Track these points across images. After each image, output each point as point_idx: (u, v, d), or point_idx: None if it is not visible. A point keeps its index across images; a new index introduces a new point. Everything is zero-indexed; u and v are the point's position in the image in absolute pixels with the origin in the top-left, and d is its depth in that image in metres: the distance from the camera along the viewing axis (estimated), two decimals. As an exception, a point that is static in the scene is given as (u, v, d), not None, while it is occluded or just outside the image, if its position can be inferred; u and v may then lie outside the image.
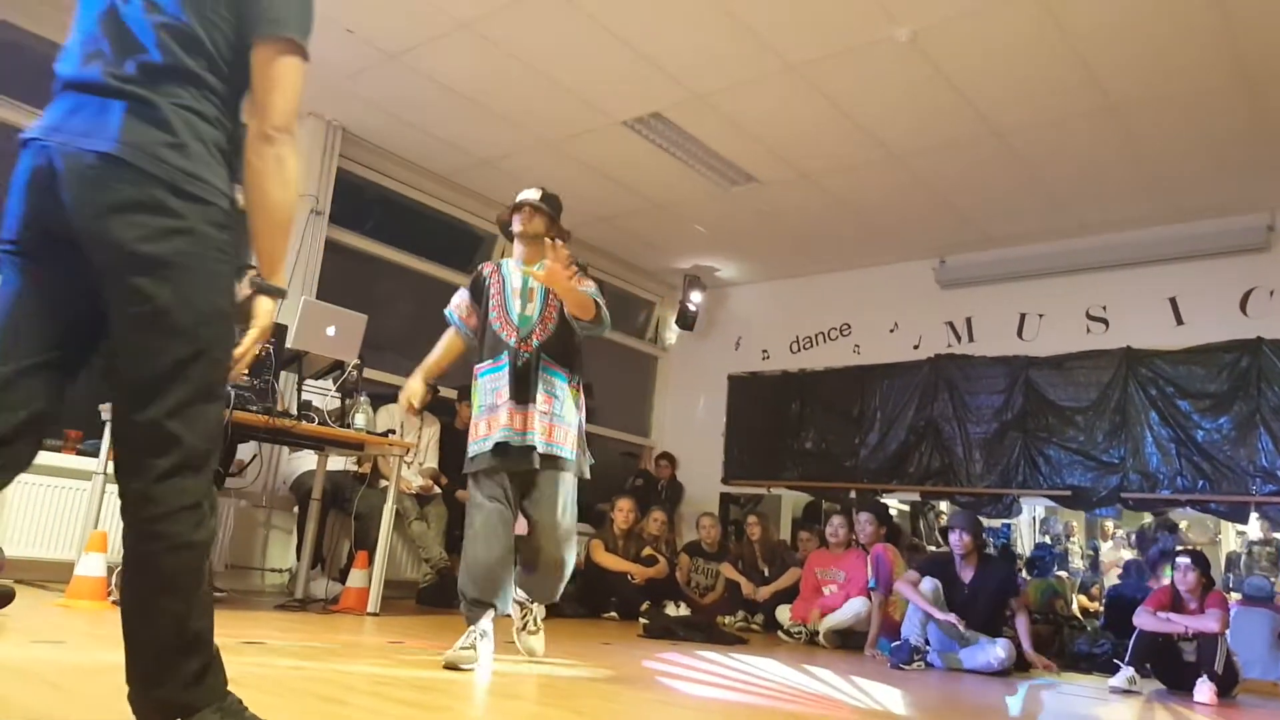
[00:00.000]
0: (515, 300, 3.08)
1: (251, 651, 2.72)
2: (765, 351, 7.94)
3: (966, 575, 5.06)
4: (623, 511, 6.00)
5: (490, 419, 2.98)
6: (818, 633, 5.60)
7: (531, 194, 3.13)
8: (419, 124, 5.77)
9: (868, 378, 7.32)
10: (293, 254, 5.49)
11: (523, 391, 2.96)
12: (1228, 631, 4.67)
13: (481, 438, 2.99)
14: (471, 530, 2.97)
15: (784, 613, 6.00)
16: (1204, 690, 4.39)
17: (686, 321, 8.14)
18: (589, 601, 5.74)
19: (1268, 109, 4.67)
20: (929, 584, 4.95)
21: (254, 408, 3.86)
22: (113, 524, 3.52)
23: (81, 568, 3.51)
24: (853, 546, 5.94)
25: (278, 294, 1.48)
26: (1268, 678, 5.48)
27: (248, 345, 1.46)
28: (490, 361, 3.05)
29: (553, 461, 2.97)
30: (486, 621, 2.92)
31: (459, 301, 3.21)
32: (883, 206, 6.33)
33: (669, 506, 7.16)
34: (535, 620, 3.24)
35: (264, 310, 1.47)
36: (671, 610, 5.73)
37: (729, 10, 4.28)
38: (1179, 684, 4.65)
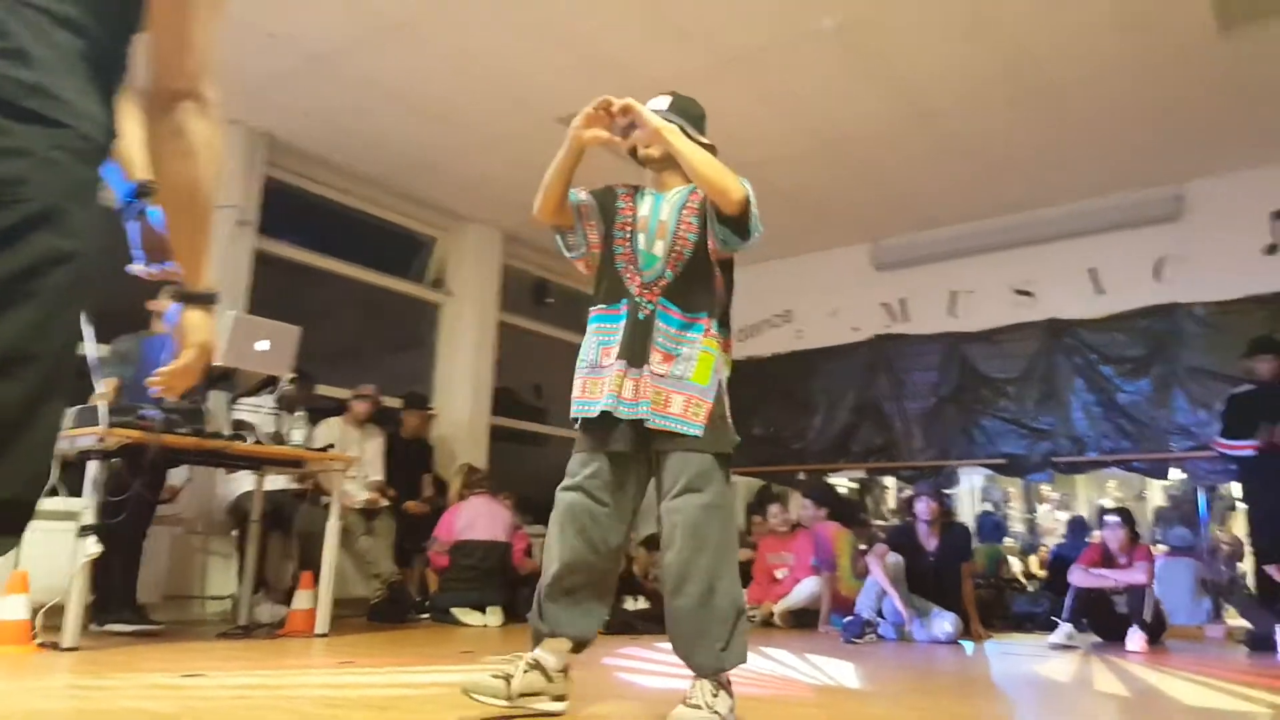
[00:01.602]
0: (643, 235, 2.38)
1: (194, 684, 2.66)
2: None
3: (931, 544, 5.20)
4: (574, 510, 5.97)
5: (589, 380, 2.33)
6: (773, 614, 5.70)
7: (660, 102, 2.46)
8: (350, 128, 5.67)
9: (811, 361, 7.44)
10: (219, 268, 5.35)
11: (638, 351, 2.25)
12: (1154, 583, 4.90)
13: (576, 399, 2.34)
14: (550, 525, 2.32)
15: (739, 598, 6.07)
16: (1135, 639, 4.61)
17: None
18: (544, 602, 5.72)
19: (1171, 82, 4.85)
20: (893, 558, 5.08)
21: (183, 430, 3.76)
22: (34, 563, 3.43)
23: (1, 611, 3.35)
24: (799, 528, 6.05)
25: (207, 302, 1.23)
26: (1192, 623, 5.77)
27: (180, 367, 1.24)
28: (605, 306, 2.37)
29: (669, 440, 2.21)
30: (547, 652, 2.25)
31: (579, 194, 2.51)
32: (819, 194, 6.41)
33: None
34: (699, 691, 2.12)
35: (194, 325, 1.22)
36: (630, 605, 5.75)
37: (658, 7, 4.29)
38: (1112, 635, 4.87)
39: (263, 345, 4.18)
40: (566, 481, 2.29)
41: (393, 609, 5.14)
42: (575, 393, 2.35)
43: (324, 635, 4.19)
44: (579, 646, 2.32)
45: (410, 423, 6.25)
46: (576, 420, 2.34)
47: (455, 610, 5.20)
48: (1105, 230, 6.29)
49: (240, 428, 4.20)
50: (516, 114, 5.39)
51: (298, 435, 4.40)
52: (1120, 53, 4.59)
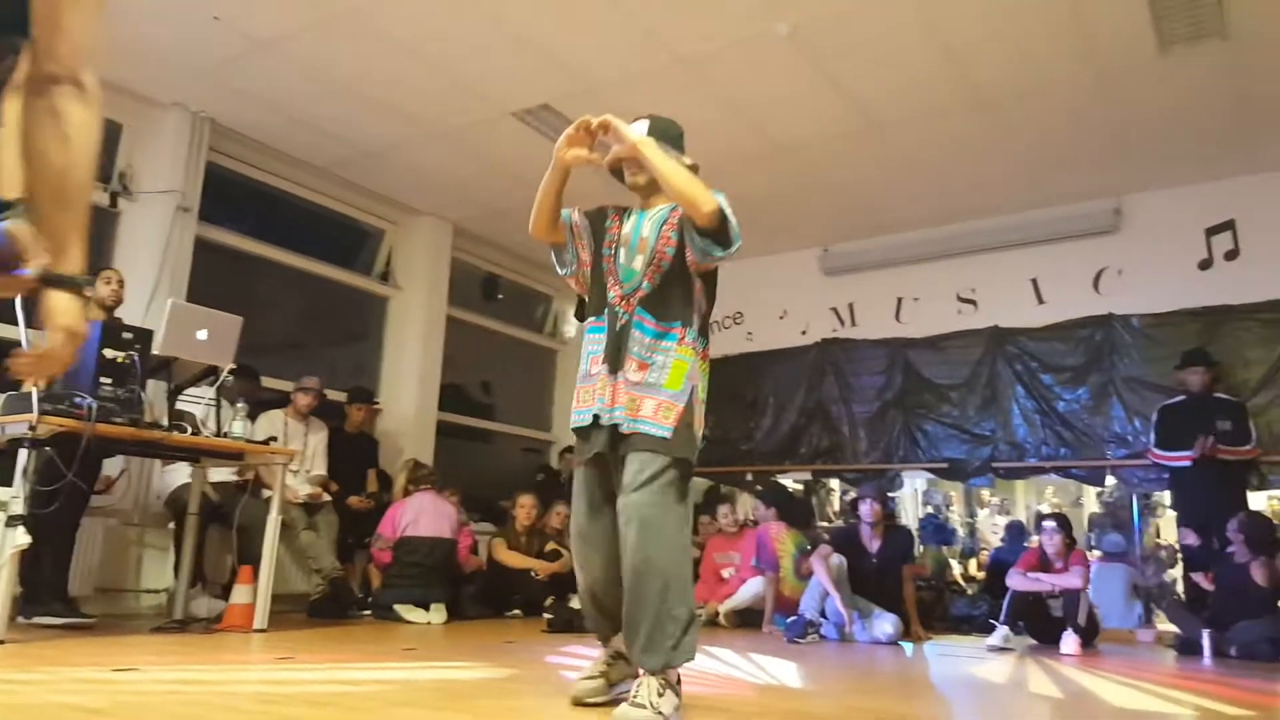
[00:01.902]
0: (624, 250, 2.50)
1: (126, 679, 2.59)
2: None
3: (874, 546, 5.27)
4: (524, 508, 5.96)
5: (582, 389, 2.47)
6: (718, 614, 5.73)
7: (640, 126, 2.48)
8: (297, 115, 5.56)
9: (760, 364, 7.50)
10: (158, 254, 5.22)
11: (617, 359, 2.39)
12: (1089, 587, 5.04)
13: (574, 409, 2.49)
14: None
15: (684, 597, 6.09)
16: (1069, 642, 4.73)
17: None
18: (492, 601, 5.69)
19: (1110, 99, 4.99)
20: (836, 559, 5.13)
21: (119, 419, 3.66)
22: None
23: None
24: (747, 528, 6.09)
25: (72, 286, 1.16)
26: (1124, 626, 5.94)
27: (43, 352, 1.18)
28: (594, 319, 2.53)
29: (637, 440, 2.30)
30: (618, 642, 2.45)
31: (573, 215, 2.61)
32: (771, 197, 6.47)
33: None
34: (639, 690, 2.18)
35: (60, 309, 1.16)
36: (576, 603, 5.73)
37: (615, 5, 4.29)
38: (1048, 638, 4.99)
39: (202, 335, 4.10)
40: (574, 496, 2.49)
41: (334, 605, 5.06)
42: (574, 403, 2.50)
43: (263, 631, 4.11)
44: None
45: (355, 417, 6.17)
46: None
47: (398, 607, 5.13)
48: (1046, 241, 6.45)
49: (179, 418, 4.10)
50: (468, 107, 5.35)
51: (239, 427, 4.30)
52: (1064, 69, 4.71)
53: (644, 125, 2.51)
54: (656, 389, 2.34)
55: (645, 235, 2.48)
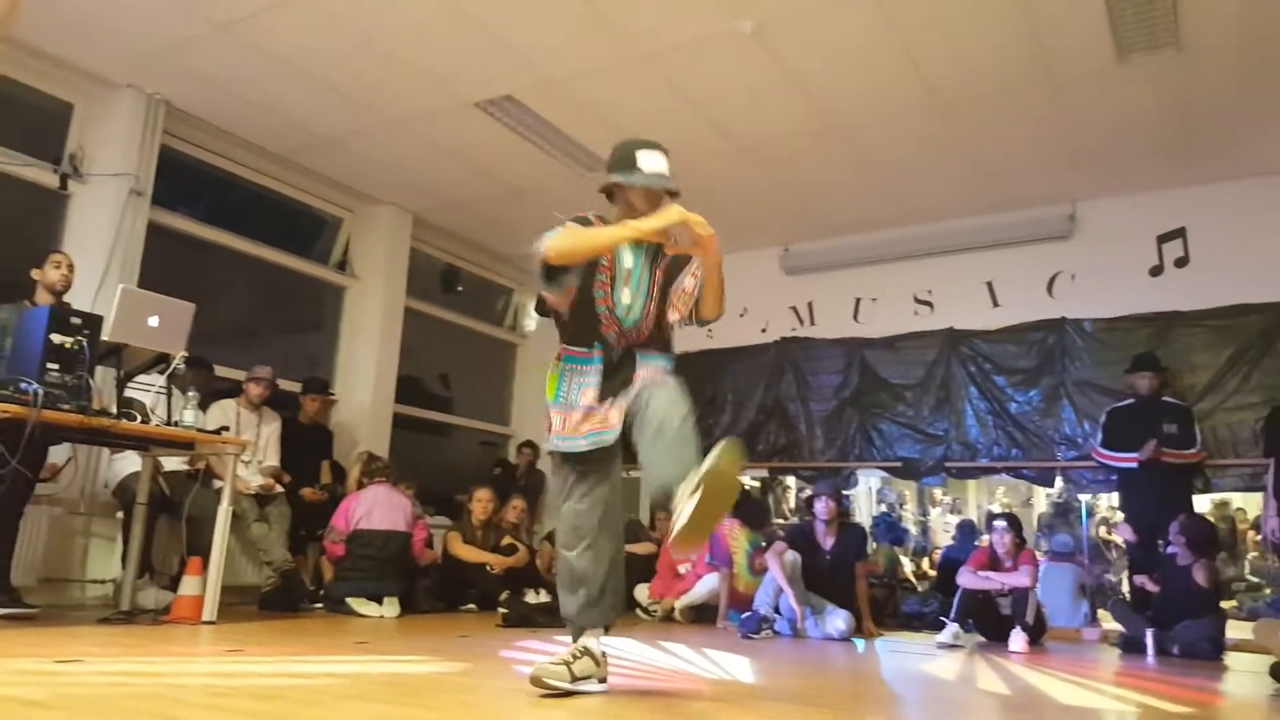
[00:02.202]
0: (626, 289, 2.55)
1: (68, 671, 2.53)
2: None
3: (828, 543, 5.32)
4: (480, 502, 5.93)
5: (568, 415, 2.52)
6: (674, 609, 5.76)
7: (662, 163, 2.57)
8: (254, 100, 5.46)
9: (720, 361, 7.53)
10: (109, 238, 5.10)
11: (622, 384, 2.48)
12: (1038, 586, 5.14)
13: (558, 434, 2.53)
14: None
15: (642, 591, 6.13)
16: (1017, 640, 4.82)
17: (545, 309, 8.08)
18: (446, 595, 5.66)
19: (1066, 105, 5.09)
20: (790, 556, 5.17)
21: (66, 406, 3.57)
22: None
23: None
24: (705, 526, 6.11)
25: None
26: (1071, 625, 6.06)
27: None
28: (582, 349, 2.55)
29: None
30: (591, 640, 2.55)
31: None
32: (732, 196, 6.50)
33: (530, 495, 7.13)
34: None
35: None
36: (531, 598, 5.72)
37: (576, -4, 4.28)
38: (996, 635, 5.08)
39: (154, 321, 4.02)
40: (559, 500, 2.57)
41: (285, 598, 4.99)
42: (556, 427, 2.55)
43: (212, 623, 4.04)
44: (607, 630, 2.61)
45: (309, 408, 6.09)
46: (554, 452, 2.56)
47: (351, 600, 5.08)
48: (1002, 245, 6.55)
49: (128, 406, 4.01)
50: (430, 96, 5.29)
51: (190, 416, 4.21)
52: (1023, 75, 4.79)
53: (664, 161, 2.56)
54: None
55: (643, 275, 2.57)
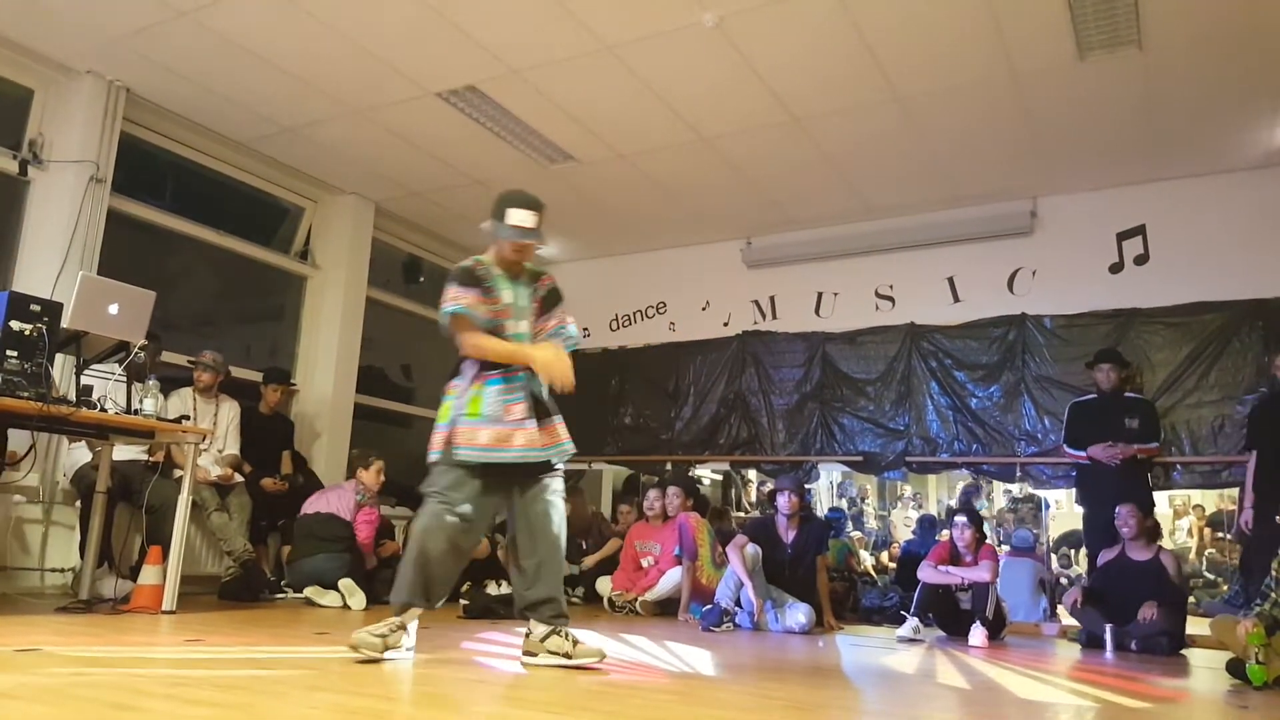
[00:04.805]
0: (519, 321, 3.13)
1: (26, 660, 2.50)
2: (585, 329, 8.01)
3: (789, 537, 5.36)
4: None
5: (496, 431, 2.97)
6: (635, 601, 5.78)
7: (532, 218, 3.13)
8: (215, 88, 5.38)
9: (682, 354, 7.57)
10: (69, 225, 5.01)
11: (545, 411, 3.09)
12: (998, 581, 5.20)
13: (481, 446, 2.95)
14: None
15: (605, 584, 6.14)
16: (977, 634, 4.88)
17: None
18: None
19: (1028, 102, 5.16)
20: (751, 549, 5.20)
21: (25, 394, 3.52)
22: None
23: None
24: (669, 518, 6.14)
25: None
26: (1030, 620, 6.14)
27: None
28: (503, 372, 3.03)
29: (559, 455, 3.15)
30: (410, 617, 3.02)
31: (470, 299, 3.04)
32: (695, 188, 6.52)
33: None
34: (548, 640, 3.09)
35: None
36: (493, 589, 5.71)
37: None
38: (956, 630, 5.14)
39: (114, 309, 3.97)
40: (439, 499, 2.95)
41: (245, 588, 4.95)
42: (483, 440, 2.94)
43: (171, 612, 4.02)
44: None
45: (270, 397, 6.03)
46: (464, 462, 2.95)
47: (309, 591, 5.04)
48: (963, 241, 6.63)
49: (88, 394, 3.96)
50: (391, 85, 5.25)
51: (149, 405, 4.17)
52: (984, 70, 4.84)
53: (532, 218, 3.13)
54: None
55: (523, 305, 3.15)
